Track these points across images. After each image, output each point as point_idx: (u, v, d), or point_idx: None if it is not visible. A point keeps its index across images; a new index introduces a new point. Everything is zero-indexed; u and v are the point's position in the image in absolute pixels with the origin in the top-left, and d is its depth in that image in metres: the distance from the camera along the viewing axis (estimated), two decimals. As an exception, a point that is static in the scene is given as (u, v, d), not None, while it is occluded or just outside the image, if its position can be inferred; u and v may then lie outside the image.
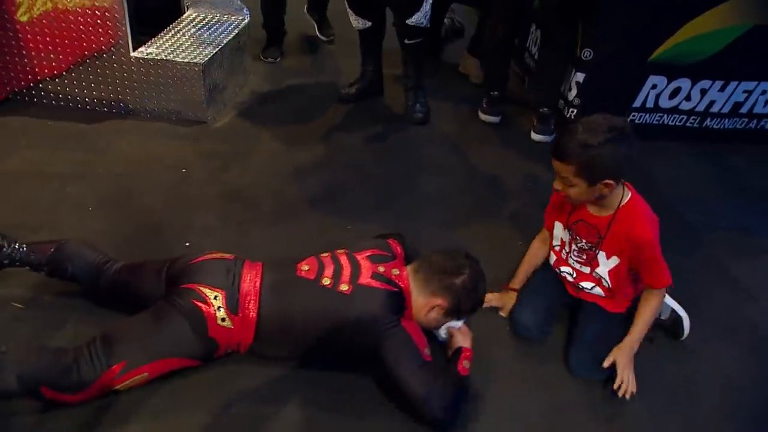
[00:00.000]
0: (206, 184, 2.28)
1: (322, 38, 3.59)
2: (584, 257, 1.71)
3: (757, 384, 1.70)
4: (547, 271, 1.87)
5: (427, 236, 2.06)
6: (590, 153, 1.44)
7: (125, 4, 2.42)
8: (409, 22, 2.64)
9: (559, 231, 1.78)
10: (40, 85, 2.60)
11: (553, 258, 1.84)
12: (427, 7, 2.62)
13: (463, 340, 1.60)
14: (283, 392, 1.51)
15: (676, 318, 1.78)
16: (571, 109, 2.83)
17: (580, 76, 2.73)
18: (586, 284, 1.75)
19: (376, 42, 2.93)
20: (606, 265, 1.67)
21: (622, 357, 1.60)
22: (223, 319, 1.44)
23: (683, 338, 1.77)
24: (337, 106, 2.96)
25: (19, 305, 1.64)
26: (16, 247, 1.61)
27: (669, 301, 1.79)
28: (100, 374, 1.35)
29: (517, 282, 1.87)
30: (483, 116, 2.96)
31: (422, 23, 2.66)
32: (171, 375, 1.47)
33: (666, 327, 1.81)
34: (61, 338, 1.56)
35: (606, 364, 1.60)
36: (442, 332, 1.64)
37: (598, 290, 1.73)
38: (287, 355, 1.56)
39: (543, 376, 1.65)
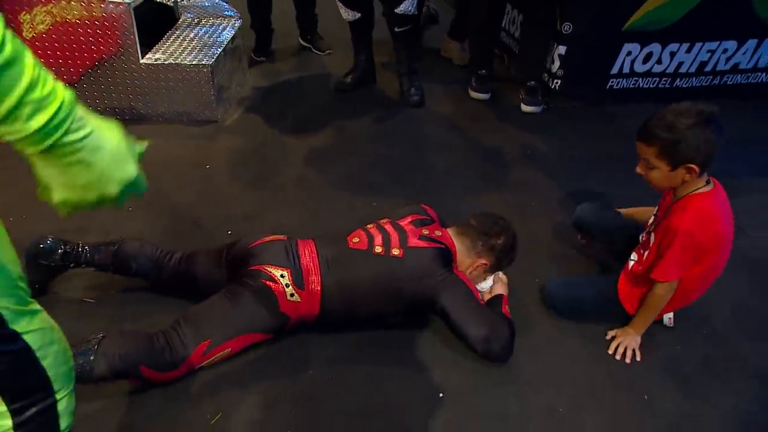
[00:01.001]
0: (232, 177, 2.34)
1: (319, 53, 3.52)
2: (643, 237, 1.71)
3: (760, 299, 1.89)
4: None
5: (447, 206, 2.17)
6: (674, 134, 1.42)
7: (132, 14, 2.45)
8: (397, 11, 2.72)
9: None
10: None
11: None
12: None
13: (502, 288, 1.73)
14: (349, 355, 1.61)
15: None
16: (555, 81, 2.98)
17: (561, 49, 2.88)
18: (633, 256, 1.73)
19: (367, 32, 3.01)
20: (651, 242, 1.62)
21: (619, 331, 1.68)
22: (291, 295, 1.53)
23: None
24: (335, 96, 3.04)
25: (91, 299, 1.69)
26: (80, 249, 1.65)
27: None
28: (191, 352, 1.43)
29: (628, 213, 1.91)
30: (474, 94, 3.08)
31: (410, 11, 2.75)
32: (248, 349, 1.55)
33: None
34: (135, 328, 1.61)
35: (609, 335, 1.69)
36: (485, 284, 1.77)
37: (633, 263, 1.71)
38: (353, 319, 1.65)
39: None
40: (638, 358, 1.64)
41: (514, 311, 1.67)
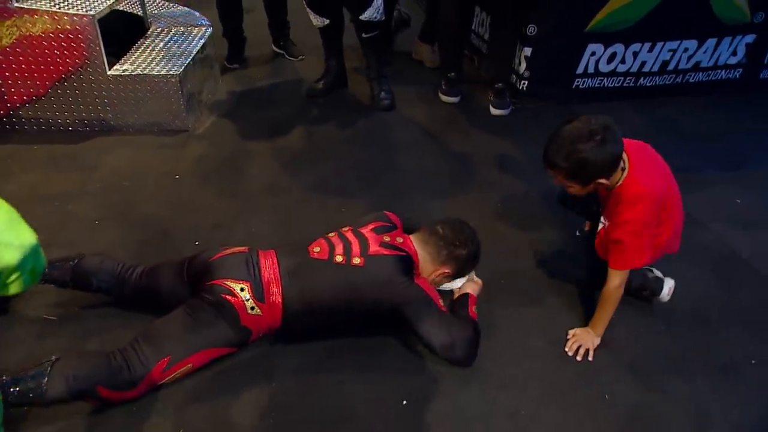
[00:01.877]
0: (201, 186, 2.29)
1: (291, 59, 3.47)
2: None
3: (718, 292, 1.89)
4: None
5: (417, 208, 2.17)
6: (575, 161, 1.45)
7: (96, 26, 2.39)
8: (362, 17, 2.70)
9: None
10: (20, 112, 2.53)
11: None
12: (377, 3, 2.68)
13: (472, 288, 1.72)
14: (313, 364, 1.58)
15: (658, 277, 1.80)
16: (522, 82, 2.97)
17: (527, 51, 2.87)
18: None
19: (337, 38, 2.97)
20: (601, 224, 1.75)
21: (579, 330, 1.68)
22: (252, 308, 1.48)
23: (660, 297, 1.78)
24: (307, 102, 3.00)
25: (52, 317, 1.64)
26: None
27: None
28: (149, 369, 1.39)
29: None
30: (444, 97, 3.06)
31: (375, 18, 2.73)
32: (211, 363, 1.51)
33: (648, 286, 1.80)
34: (98, 344, 1.57)
35: (569, 335, 1.68)
36: (453, 284, 1.75)
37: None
38: (316, 329, 1.62)
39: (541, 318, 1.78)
40: (590, 358, 1.62)
41: (479, 313, 1.64)
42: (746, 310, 1.82)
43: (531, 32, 2.83)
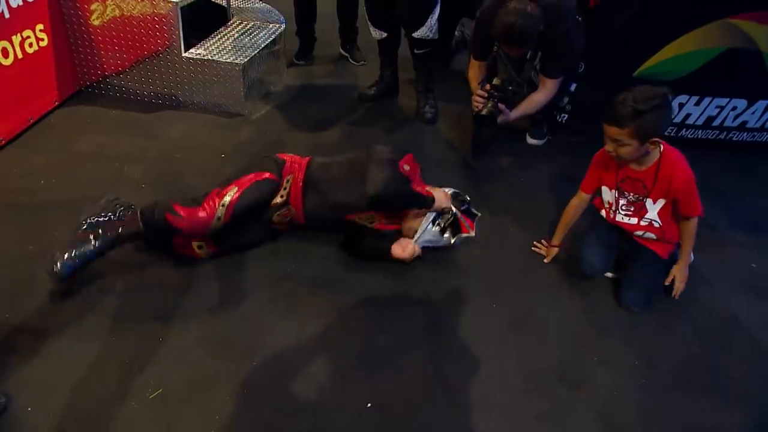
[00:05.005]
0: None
1: (354, 63, 3.49)
2: (632, 209, 1.84)
3: (709, 353, 1.73)
4: (600, 225, 1.96)
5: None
6: (642, 118, 1.57)
7: (179, 12, 2.48)
8: (415, 35, 2.67)
9: (606, 194, 1.89)
10: (107, 80, 2.68)
11: (603, 213, 1.95)
12: (431, 22, 2.63)
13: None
14: (295, 348, 1.58)
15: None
16: (562, 115, 2.83)
17: (572, 86, 2.72)
18: (638, 232, 1.87)
19: (392, 50, 2.95)
20: (654, 209, 1.80)
21: (680, 272, 1.87)
22: (284, 161, 1.88)
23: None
24: (357, 105, 3.00)
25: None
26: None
27: None
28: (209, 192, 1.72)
29: (557, 239, 2.01)
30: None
31: (428, 36, 2.68)
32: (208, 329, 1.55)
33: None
34: (111, 301, 1.64)
35: (668, 281, 1.87)
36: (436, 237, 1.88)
37: (649, 234, 1.86)
38: (325, 203, 1.83)
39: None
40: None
41: (469, 330, 1.58)
42: (733, 381, 1.65)
43: (579, 69, 2.68)
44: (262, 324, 1.63)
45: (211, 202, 1.68)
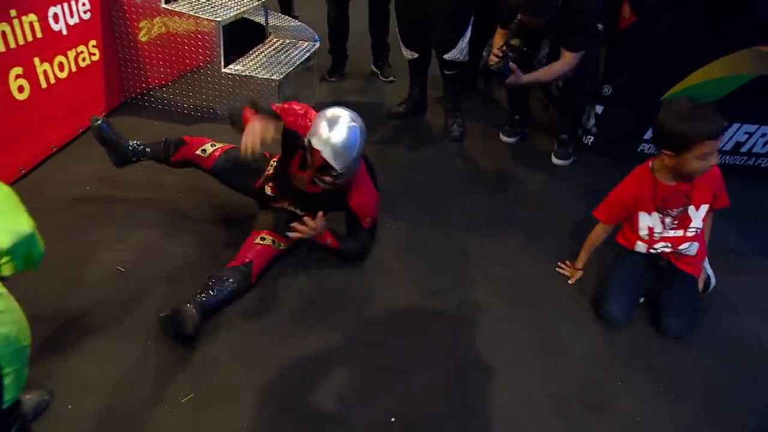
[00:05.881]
0: (275, 181, 2.37)
1: (383, 80, 3.53)
2: (677, 222, 1.78)
3: (733, 383, 1.67)
4: (628, 260, 1.87)
5: (457, 236, 2.13)
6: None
7: (221, 30, 2.55)
8: (445, 57, 2.69)
9: (646, 220, 1.79)
10: (151, 92, 2.76)
11: (643, 246, 1.83)
12: (462, 45, 2.64)
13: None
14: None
15: (706, 279, 1.94)
16: (588, 137, 2.80)
17: (598, 109, 2.69)
18: (683, 246, 1.80)
19: (422, 69, 2.97)
20: (698, 216, 1.76)
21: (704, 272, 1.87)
22: None
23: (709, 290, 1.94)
24: (386, 121, 3.02)
25: (122, 269, 1.78)
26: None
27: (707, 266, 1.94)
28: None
29: (581, 262, 1.97)
30: (503, 137, 2.96)
31: (458, 58, 2.69)
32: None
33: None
34: (151, 305, 1.69)
35: (701, 285, 1.87)
36: None
37: (694, 246, 1.80)
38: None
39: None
40: None
41: (490, 348, 1.56)
42: (758, 408, 1.60)
43: (606, 92, 2.65)
44: (288, 334, 1.64)
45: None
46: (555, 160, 2.81)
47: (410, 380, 1.55)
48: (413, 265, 1.99)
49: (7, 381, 0.88)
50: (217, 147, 2.00)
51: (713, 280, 1.95)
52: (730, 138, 2.67)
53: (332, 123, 1.62)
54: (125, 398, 1.39)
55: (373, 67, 3.59)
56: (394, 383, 1.54)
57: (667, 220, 1.78)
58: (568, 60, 2.36)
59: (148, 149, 2.00)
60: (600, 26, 2.43)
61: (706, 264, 1.93)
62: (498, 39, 2.50)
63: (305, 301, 1.77)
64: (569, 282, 1.97)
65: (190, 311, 1.52)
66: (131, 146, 1.99)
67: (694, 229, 1.78)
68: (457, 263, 2.02)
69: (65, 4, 2.16)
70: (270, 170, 1.98)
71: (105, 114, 2.63)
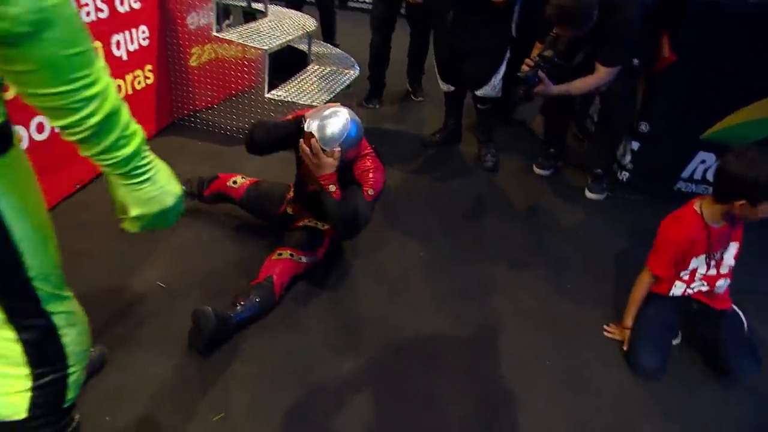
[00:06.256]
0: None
1: (415, 99, 3.69)
2: (714, 262, 1.75)
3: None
4: (658, 306, 1.81)
5: (486, 268, 2.12)
6: None
7: (266, 58, 2.65)
8: (478, 93, 2.70)
9: (694, 263, 1.75)
10: (197, 114, 2.88)
11: (681, 287, 1.79)
12: (494, 82, 2.64)
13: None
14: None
15: None
16: (624, 172, 2.76)
17: (635, 145, 2.67)
18: (719, 283, 1.77)
19: (458, 102, 3.00)
20: (731, 253, 1.75)
21: None
22: None
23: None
24: (420, 148, 3.06)
25: (162, 284, 1.84)
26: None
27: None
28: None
29: (629, 319, 1.84)
30: (536, 169, 2.95)
31: (491, 95, 2.69)
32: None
33: None
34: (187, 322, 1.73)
35: None
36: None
37: (726, 282, 1.78)
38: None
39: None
40: None
41: (518, 383, 1.53)
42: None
43: (643, 129, 2.62)
44: (317, 357, 1.65)
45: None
46: (589, 194, 2.77)
47: (438, 412, 1.53)
48: (442, 292, 1.99)
49: (71, 379, 0.92)
50: (246, 179, 2.13)
51: (743, 319, 1.86)
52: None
53: (327, 110, 1.72)
54: (160, 412, 1.43)
55: (408, 87, 3.70)
56: (421, 415, 1.52)
57: (713, 262, 1.75)
58: (602, 74, 2.32)
59: (184, 186, 2.09)
60: (636, 61, 2.42)
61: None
62: (534, 52, 2.48)
63: (334, 325, 1.79)
64: (623, 348, 1.81)
65: (207, 312, 1.56)
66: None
67: (727, 267, 1.76)
68: (486, 293, 2.01)
69: (127, 32, 2.29)
70: (290, 194, 2.07)
71: (154, 133, 2.75)
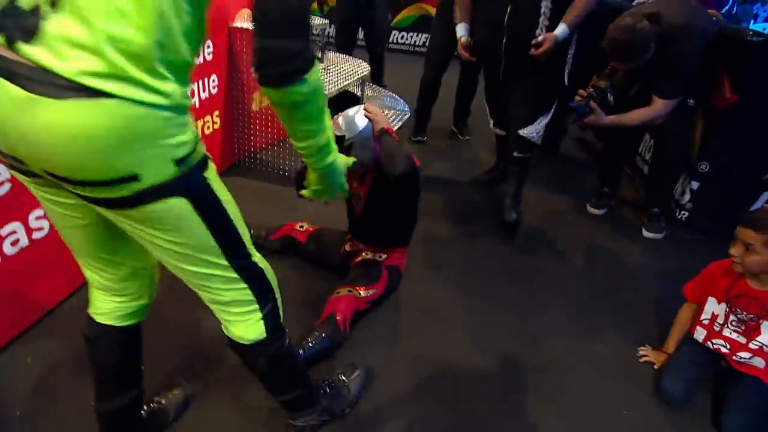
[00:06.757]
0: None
1: (461, 138, 3.72)
2: (743, 328, 1.63)
3: None
4: (695, 344, 1.75)
5: (543, 322, 2.05)
6: None
7: (325, 102, 2.74)
8: (521, 132, 2.47)
9: (713, 306, 1.69)
10: (256, 155, 2.97)
11: (702, 333, 1.73)
12: (539, 126, 2.44)
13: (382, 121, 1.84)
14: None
15: None
16: (682, 212, 2.69)
17: (694, 185, 2.60)
18: (744, 354, 1.64)
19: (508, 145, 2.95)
20: None
21: None
22: None
23: None
24: (469, 186, 3.06)
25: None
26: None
27: None
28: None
29: (671, 346, 1.82)
30: (590, 209, 2.89)
31: (533, 137, 2.47)
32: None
33: None
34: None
35: None
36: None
37: (758, 360, 1.62)
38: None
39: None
40: None
41: (545, 420, 1.48)
42: None
43: (702, 169, 2.56)
44: (367, 395, 1.63)
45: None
46: (646, 233, 2.69)
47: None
48: (503, 335, 1.94)
49: (278, 303, 1.20)
50: (310, 226, 2.25)
51: None
52: None
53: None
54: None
55: (453, 127, 3.71)
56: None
57: (732, 318, 1.64)
58: (658, 107, 2.24)
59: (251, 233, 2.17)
60: (691, 101, 2.37)
61: None
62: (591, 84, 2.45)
63: (365, 356, 1.76)
64: (655, 367, 1.81)
65: None
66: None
67: (759, 344, 1.60)
68: (553, 337, 1.96)
69: (200, 81, 2.42)
70: (348, 235, 2.15)
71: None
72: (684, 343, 1.79)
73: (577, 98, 2.29)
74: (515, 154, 2.56)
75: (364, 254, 2.06)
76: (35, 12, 0.74)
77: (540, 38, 2.16)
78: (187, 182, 0.91)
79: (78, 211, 1.00)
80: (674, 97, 2.23)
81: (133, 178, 0.83)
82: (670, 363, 1.74)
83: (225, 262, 1.04)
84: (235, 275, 1.07)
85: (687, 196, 2.65)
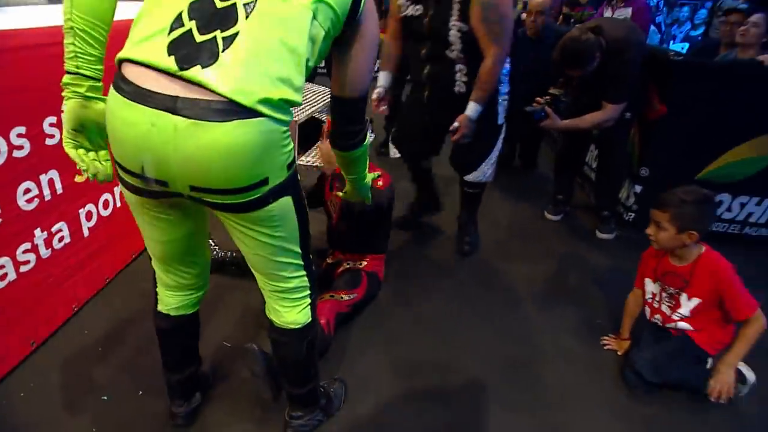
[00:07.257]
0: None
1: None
2: (673, 302, 1.83)
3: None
4: (648, 330, 1.93)
5: (517, 322, 2.20)
6: (683, 206, 1.68)
7: (296, 128, 2.83)
8: (466, 178, 2.45)
9: (650, 286, 1.91)
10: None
11: (647, 311, 1.94)
12: (485, 168, 2.39)
13: None
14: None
15: (739, 373, 1.76)
16: (629, 214, 2.93)
17: (638, 188, 2.85)
18: (670, 325, 1.85)
19: (419, 169, 2.70)
20: (687, 305, 1.78)
21: (720, 373, 1.70)
22: None
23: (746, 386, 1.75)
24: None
25: (227, 344, 1.89)
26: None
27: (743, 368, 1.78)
28: None
29: (625, 332, 2.00)
30: (548, 215, 3.10)
31: (480, 180, 2.44)
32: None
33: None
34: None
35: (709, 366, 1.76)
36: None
37: (684, 324, 1.81)
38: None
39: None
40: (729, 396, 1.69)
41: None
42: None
43: (643, 174, 2.82)
44: (362, 398, 1.70)
45: None
46: (599, 235, 2.92)
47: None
48: (482, 336, 2.06)
49: (314, 297, 1.35)
50: None
51: (749, 376, 1.76)
52: (764, 213, 2.79)
53: None
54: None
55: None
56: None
57: (664, 294, 1.86)
58: (608, 111, 2.46)
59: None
60: (628, 115, 2.63)
61: (742, 366, 1.77)
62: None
63: (379, 370, 1.83)
64: (619, 353, 1.96)
65: (252, 349, 1.55)
66: (221, 255, 2.32)
67: (679, 315, 1.80)
68: (528, 334, 2.09)
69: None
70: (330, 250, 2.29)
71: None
72: (646, 330, 1.96)
73: (535, 104, 2.51)
74: (466, 189, 2.54)
75: (345, 264, 2.18)
76: (213, 41, 0.92)
77: (455, 124, 2.12)
78: (293, 182, 1.10)
79: (179, 224, 1.18)
80: (621, 101, 2.47)
81: (264, 181, 1.01)
82: (640, 344, 1.87)
83: (300, 251, 1.20)
84: (302, 262, 1.23)
85: (632, 199, 2.91)
